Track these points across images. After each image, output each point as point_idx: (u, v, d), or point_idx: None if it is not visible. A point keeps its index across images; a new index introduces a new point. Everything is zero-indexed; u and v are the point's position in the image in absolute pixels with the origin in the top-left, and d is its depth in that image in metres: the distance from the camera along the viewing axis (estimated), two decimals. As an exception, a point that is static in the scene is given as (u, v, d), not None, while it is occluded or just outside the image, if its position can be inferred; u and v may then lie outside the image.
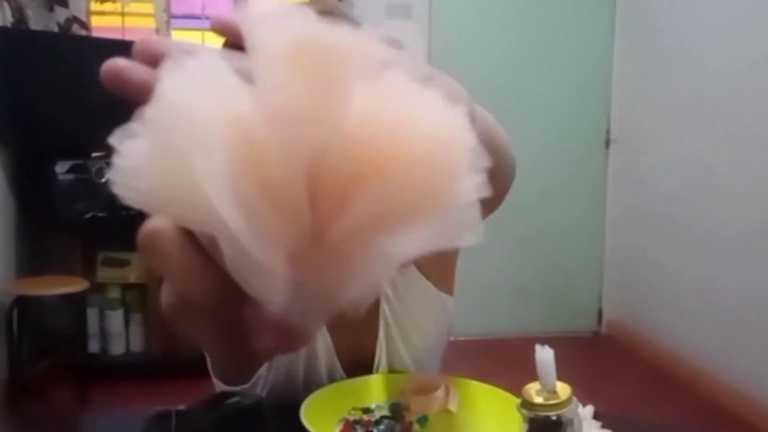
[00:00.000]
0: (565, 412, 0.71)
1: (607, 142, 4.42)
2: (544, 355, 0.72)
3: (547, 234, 4.36)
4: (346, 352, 1.15)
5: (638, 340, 4.09)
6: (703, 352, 3.51)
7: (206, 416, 0.87)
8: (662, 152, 3.92)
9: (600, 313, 4.49)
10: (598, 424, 0.83)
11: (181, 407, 0.91)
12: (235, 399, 0.90)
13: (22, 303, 3.29)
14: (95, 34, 3.91)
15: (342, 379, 1.11)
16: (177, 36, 4.11)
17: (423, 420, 0.91)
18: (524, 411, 0.72)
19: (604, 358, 4.10)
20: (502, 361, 4.00)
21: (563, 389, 0.72)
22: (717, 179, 3.46)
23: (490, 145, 0.35)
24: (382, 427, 0.88)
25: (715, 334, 3.44)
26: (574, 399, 0.72)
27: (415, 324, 1.18)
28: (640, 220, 4.16)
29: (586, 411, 0.83)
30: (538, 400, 0.71)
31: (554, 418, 0.70)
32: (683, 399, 3.43)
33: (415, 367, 1.18)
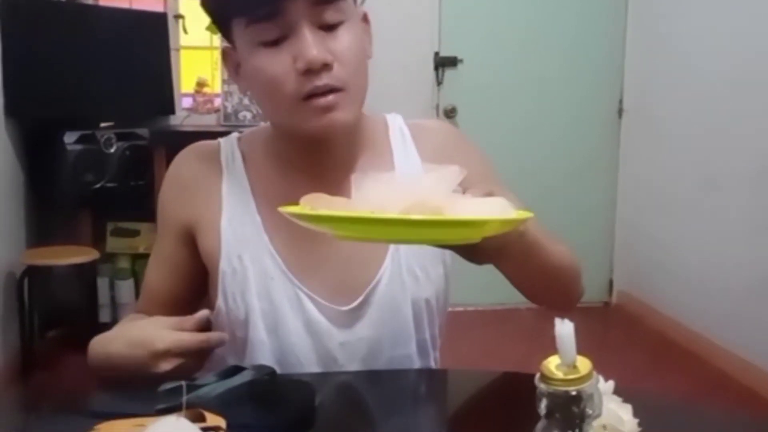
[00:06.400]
0: (585, 387, 0.69)
1: (620, 112, 4.37)
2: (564, 329, 0.70)
3: (558, 204, 4.32)
4: (336, 280, 1.07)
5: (648, 310, 4.08)
6: (712, 322, 3.50)
7: (218, 389, 0.86)
8: (675, 122, 3.88)
9: (611, 283, 4.47)
10: (619, 399, 0.81)
11: (194, 378, 0.90)
12: (246, 371, 0.89)
13: (33, 273, 3.30)
14: (102, 3, 3.87)
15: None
16: (184, 4, 4.06)
17: None
18: (543, 386, 0.69)
19: (614, 328, 4.10)
20: (511, 332, 4.01)
21: (583, 364, 0.70)
22: (728, 150, 3.42)
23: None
24: None
25: (724, 305, 3.43)
26: (595, 374, 0.70)
27: (421, 263, 1.10)
28: (652, 191, 4.12)
29: (607, 386, 0.81)
30: (558, 374, 0.69)
31: (574, 393, 0.68)
32: (691, 368, 3.44)
33: (413, 312, 1.10)
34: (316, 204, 0.82)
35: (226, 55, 1.07)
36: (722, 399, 3.11)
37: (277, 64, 0.97)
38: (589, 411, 0.69)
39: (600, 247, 4.44)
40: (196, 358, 0.97)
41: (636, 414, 0.80)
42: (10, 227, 3.37)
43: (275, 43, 0.97)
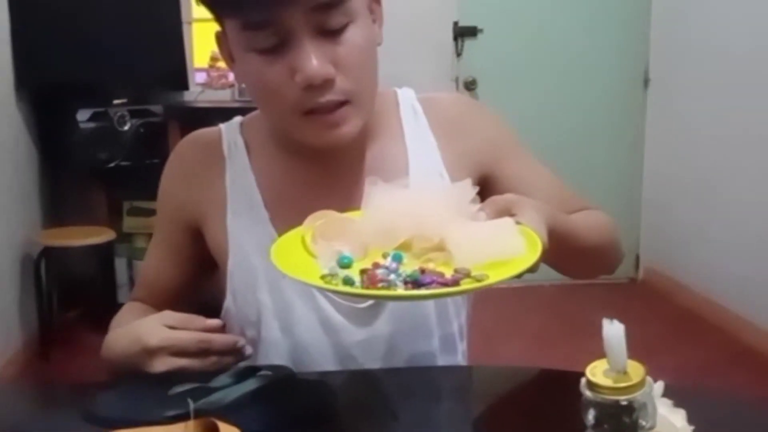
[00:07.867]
0: (637, 395, 0.62)
1: (646, 82, 4.26)
2: (613, 331, 0.63)
3: (583, 176, 4.21)
4: None
5: (675, 286, 4.00)
6: (740, 297, 3.43)
7: (232, 394, 0.80)
8: (702, 92, 3.77)
9: (637, 259, 4.39)
10: (669, 402, 0.74)
11: (207, 380, 0.83)
12: (262, 373, 0.83)
13: (50, 254, 3.28)
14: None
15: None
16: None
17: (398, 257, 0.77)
18: (589, 394, 0.63)
19: (640, 304, 4.03)
20: (533, 308, 3.94)
21: (635, 369, 0.63)
22: (758, 122, 3.31)
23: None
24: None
25: (752, 279, 3.35)
26: (649, 380, 0.62)
27: None
28: (679, 162, 4.03)
29: (656, 388, 0.74)
30: (607, 382, 0.62)
31: (625, 402, 0.62)
32: (719, 344, 3.38)
33: (436, 306, 1.03)
34: (321, 223, 0.81)
35: (220, 41, 0.97)
36: (752, 375, 3.05)
37: (274, 74, 0.88)
38: (643, 422, 0.62)
39: (626, 221, 4.34)
40: (201, 362, 0.87)
41: (690, 420, 0.73)
42: (24, 207, 3.34)
43: (271, 50, 0.87)
